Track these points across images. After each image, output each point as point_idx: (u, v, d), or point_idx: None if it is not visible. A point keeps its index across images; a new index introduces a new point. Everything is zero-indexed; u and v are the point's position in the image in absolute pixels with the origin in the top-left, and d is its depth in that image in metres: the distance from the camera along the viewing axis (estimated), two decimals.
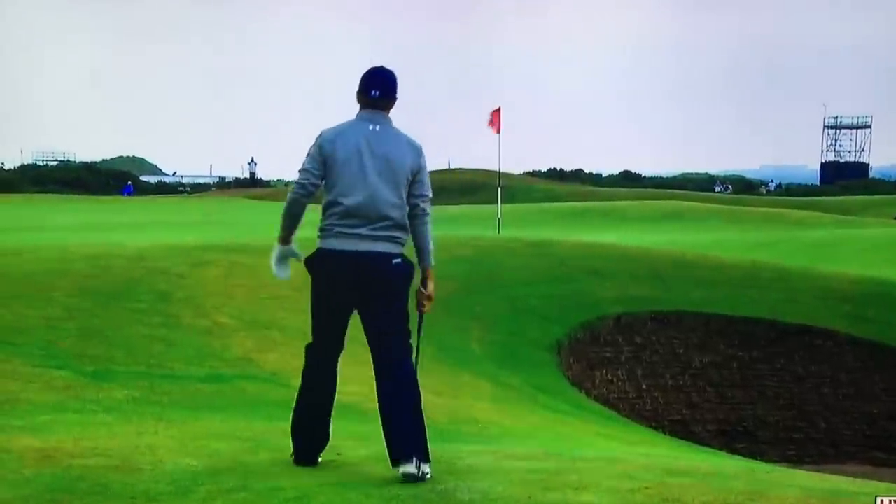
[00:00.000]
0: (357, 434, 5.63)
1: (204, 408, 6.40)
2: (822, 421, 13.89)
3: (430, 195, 4.75)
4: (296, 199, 4.65)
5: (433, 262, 4.79)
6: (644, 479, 4.47)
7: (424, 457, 4.47)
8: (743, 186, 72.18)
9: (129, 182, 63.13)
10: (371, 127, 4.65)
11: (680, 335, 14.35)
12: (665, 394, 13.56)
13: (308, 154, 4.69)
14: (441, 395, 8.40)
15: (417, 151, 4.68)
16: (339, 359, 4.80)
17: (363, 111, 4.70)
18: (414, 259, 4.77)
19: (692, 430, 13.02)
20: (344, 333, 4.76)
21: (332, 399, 4.82)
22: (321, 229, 4.66)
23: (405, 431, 4.50)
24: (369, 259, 4.56)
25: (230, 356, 8.13)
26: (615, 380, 13.38)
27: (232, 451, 4.96)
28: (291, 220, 4.75)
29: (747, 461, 9.23)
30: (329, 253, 4.60)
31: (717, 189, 65.71)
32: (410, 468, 4.40)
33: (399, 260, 4.62)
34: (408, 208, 4.67)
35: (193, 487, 4.26)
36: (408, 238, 4.69)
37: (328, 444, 4.85)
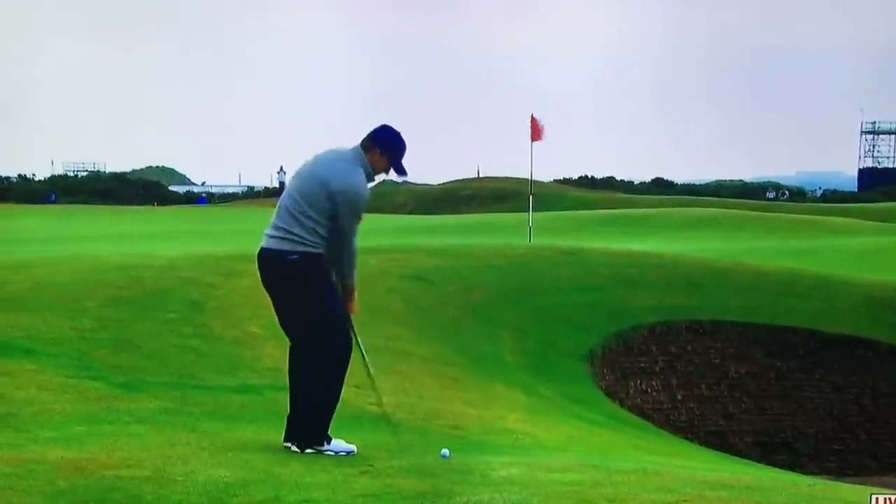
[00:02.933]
0: (389, 446, 5.59)
1: (236, 418, 6.38)
2: (863, 432, 13.62)
3: (347, 224, 5.15)
4: None
5: (350, 282, 5.30)
6: (682, 492, 4.38)
7: (304, 442, 5.23)
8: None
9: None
10: (334, 152, 5.30)
11: (716, 344, 14.15)
12: (701, 404, 13.37)
13: None
14: (474, 405, 8.32)
15: (326, 185, 5.12)
16: (311, 357, 5.25)
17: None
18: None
19: (729, 442, 12.83)
20: (297, 331, 5.28)
21: (296, 393, 5.30)
22: None
23: (294, 421, 5.28)
24: (268, 255, 5.21)
25: (261, 366, 8.11)
26: (650, 390, 13.22)
27: (264, 462, 4.94)
28: None
29: (787, 473, 9.07)
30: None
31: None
32: (291, 447, 5.26)
33: (295, 256, 5.13)
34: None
35: (226, 499, 4.24)
36: (314, 238, 5.14)
37: (296, 441, 5.28)
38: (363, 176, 5.25)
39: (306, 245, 5.14)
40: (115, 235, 26.07)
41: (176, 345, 8.32)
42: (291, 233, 5.17)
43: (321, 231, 5.16)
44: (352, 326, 5.44)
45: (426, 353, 10.41)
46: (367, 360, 5.54)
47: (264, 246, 5.25)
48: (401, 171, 5.44)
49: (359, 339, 5.46)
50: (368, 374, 5.60)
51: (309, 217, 5.14)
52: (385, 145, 5.33)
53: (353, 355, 5.36)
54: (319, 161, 5.29)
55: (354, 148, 5.32)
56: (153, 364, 7.66)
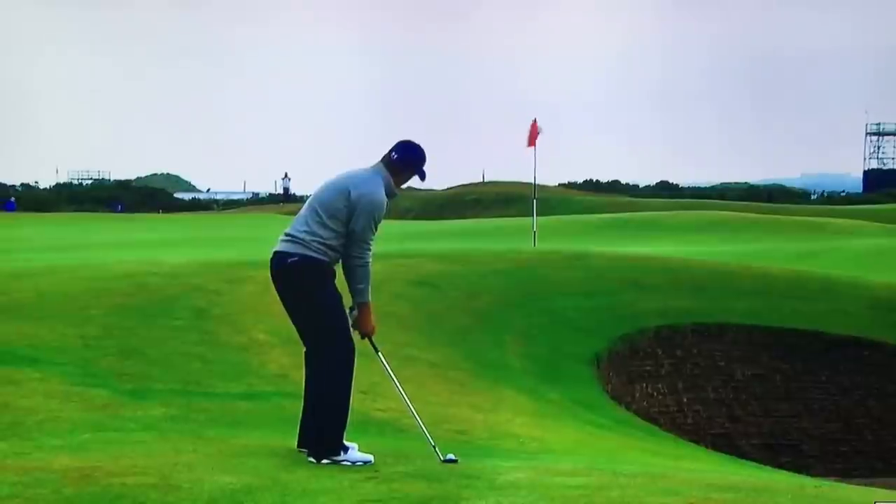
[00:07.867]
0: (395, 450, 5.59)
1: (241, 425, 6.39)
2: (870, 434, 13.60)
3: (362, 241, 5.21)
4: None
5: (364, 300, 5.30)
6: (688, 495, 4.38)
7: (317, 453, 5.14)
8: (780, 195, 71.24)
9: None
10: (356, 169, 5.40)
11: (722, 347, 14.14)
12: (707, 407, 13.35)
13: None
14: (480, 410, 8.32)
15: (346, 193, 5.22)
16: (315, 360, 5.28)
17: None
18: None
19: (735, 444, 12.81)
20: (302, 332, 5.35)
21: (311, 399, 5.31)
22: None
23: (306, 426, 5.30)
24: (276, 258, 5.32)
25: (267, 373, 8.12)
26: (656, 393, 13.21)
27: (270, 468, 4.94)
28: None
29: (794, 476, 9.05)
30: None
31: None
32: (308, 458, 5.18)
33: (295, 259, 5.22)
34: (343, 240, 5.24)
35: None
36: (321, 247, 5.20)
37: (307, 448, 5.25)
38: (382, 187, 5.36)
39: (308, 249, 5.22)
40: (120, 243, 26.10)
41: (181, 352, 8.33)
42: (296, 237, 5.27)
43: (331, 240, 5.21)
44: (377, 349, 5.45)
45: (432, 358, 10.41)
46: (395, 380, 5.54)
47: (274, 249, 5.42)
48: (422, 176, 5.58)
49: (384, 360, 5.49)
50: (401, 395, 5.60)
51: (322, 224, 5.22)
52: (405, 159, 5.45)
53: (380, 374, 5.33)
54: (341, 174, 5.44)
55: (376, 163, 5.45)
56: (159, 371, 7.68)
